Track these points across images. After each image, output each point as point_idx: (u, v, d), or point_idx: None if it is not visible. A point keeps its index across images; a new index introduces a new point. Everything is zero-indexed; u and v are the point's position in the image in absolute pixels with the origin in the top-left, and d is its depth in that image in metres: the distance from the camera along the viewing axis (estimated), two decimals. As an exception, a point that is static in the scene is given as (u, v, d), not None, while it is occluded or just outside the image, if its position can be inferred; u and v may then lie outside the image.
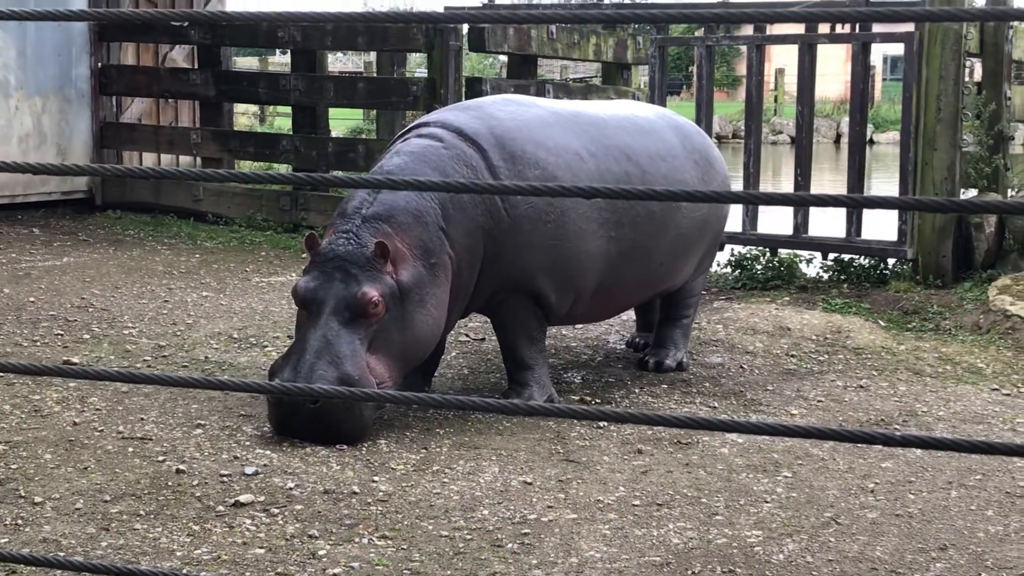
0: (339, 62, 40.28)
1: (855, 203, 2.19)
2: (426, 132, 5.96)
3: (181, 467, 5.08)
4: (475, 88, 10.72)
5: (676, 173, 6.48)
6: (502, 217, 5.82)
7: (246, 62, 34.56)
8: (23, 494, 4.77)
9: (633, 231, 6.20)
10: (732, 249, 9.60)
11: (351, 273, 5.44)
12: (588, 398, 6.34)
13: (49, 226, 11.52)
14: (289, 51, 12.37)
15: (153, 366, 6.72)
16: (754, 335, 7.71)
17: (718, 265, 9.89)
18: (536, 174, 5.89)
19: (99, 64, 12.66)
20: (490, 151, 5.86)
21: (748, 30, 10.50)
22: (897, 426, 6.10)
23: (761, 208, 10.14)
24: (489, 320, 6.42)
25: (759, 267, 9.49)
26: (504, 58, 17.05)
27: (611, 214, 6.08)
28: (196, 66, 12.91)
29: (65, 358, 6.78)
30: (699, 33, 10.71)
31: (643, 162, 6.33)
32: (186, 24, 12.02)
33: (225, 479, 4.98)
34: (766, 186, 11.20)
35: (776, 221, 10.35)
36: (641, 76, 15.20)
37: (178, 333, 7.42)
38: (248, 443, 5.42)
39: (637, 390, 6.52)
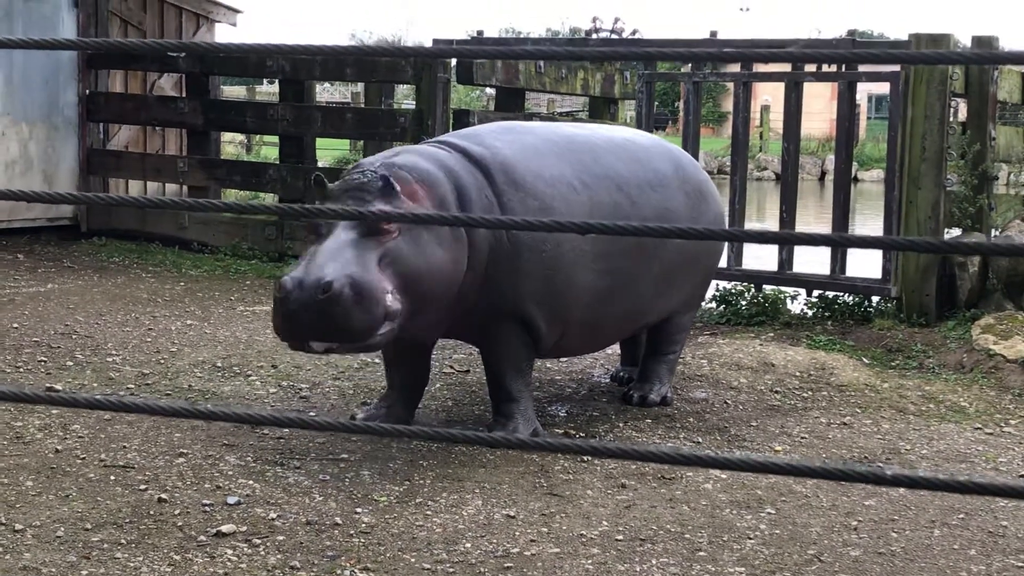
0: (326, 92, 40.36)
1: (842, 242, 2.20)
2: (429, 143, 6.07)
3: (163, 496, 5.06)
4: (462, 120, 10.75)
5: (667, 203, 6.42)
6: (503, 241, 5.82)
7: (234, 91, 34.61)
8: (3, 521, 4.74)
9: (622, 262, 6.18)
10: (717, 284, 9.61)
11: (365, 199, 5.37)
12: (572, 431, 6.33)
13: (34, 252, 11.49)
14: (277, 81, 12.40)
15: (136, 393, 6.70)
16: (738, 371, 7.72)
17: (703, 301, 9.92)
18: (535, 204, 5.89)
19: (87, 91, 12.67)
20: (494, 176, 5.87)
21: (735, 67, 10.56)
22: (880, 463, 6.10)
23: (746, 244, 10.16)
24: (476, 352, 6.42)
25: (744, 303, 9.51)
26: (492, 91, 17.11)
27: (603, 245, 6.04)
28: (184, 94, 12.93)
29: (48, 384, 6.75)
30: (686, 69, 10.76)
31: (633, 192, 6.29)
32: (183, 56, 12.06)
33: (207, 509, 4.96)
34: (751, 222, 11.25)
35: (761, 257, 10.38)
36: (628, 111, 15.25)
37: (162, 361, 7.40)
38: (231, 473, 5.40)
39: (621, 424, 6.52)
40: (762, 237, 2.57)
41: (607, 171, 6.26)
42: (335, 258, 5.19)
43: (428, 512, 5.05)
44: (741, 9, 73.09)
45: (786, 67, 9.80)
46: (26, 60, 12.00)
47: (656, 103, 10.86)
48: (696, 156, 10.15)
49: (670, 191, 6.50)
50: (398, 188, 5.40)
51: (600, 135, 6.65)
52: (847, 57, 2.13)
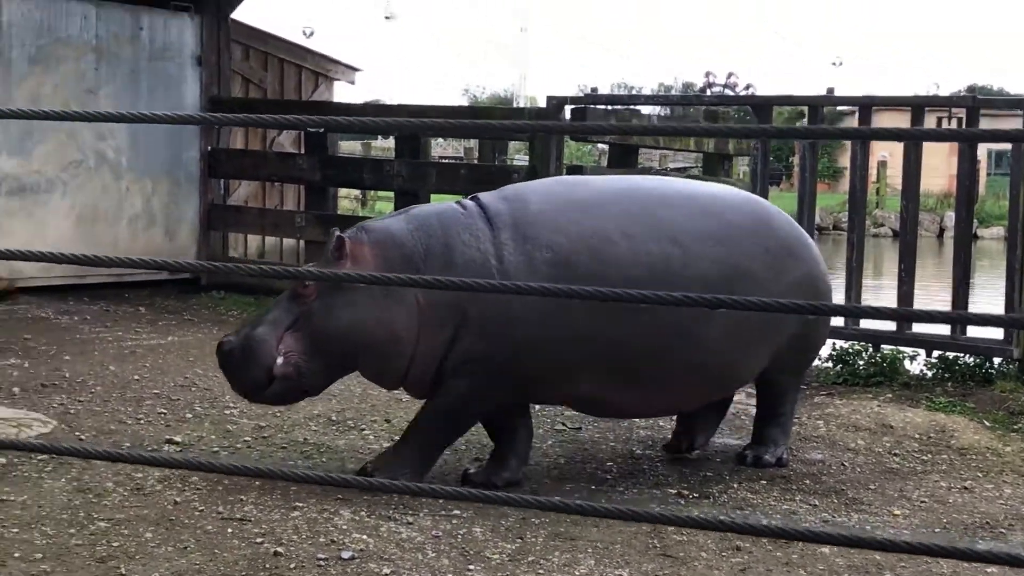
0: (439, 147, 40.81)
1: (961, 320, 2.16)
2: (459, 201, 6.29)
3: (279, 549, 5.11)
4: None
5: (734, 258, 6.22)
6: (474, 298, 5.90)
7: (349, 146, 35.15)
8: (123, 572, 4.82)
9: (666, 315, 5.98)
10: (834, 343, 9.49)
11: (326, 259, 5.98)
12: (685, 492, 6.26)
13: (155, 305, 11.73)
14: (393, 137, 12.55)
15: (253, 446, 6.79)
16: (856, 432, 7.59)
17: (819, 359, 9.79)
18: (546, 256, 5.98)
19: (208, 148, 12.95)
20: (502, 230, 6.04)
21: (853, 122, 10.46)
22: (1003, 530, 5.95)
23: (862, 300, 10.02)
24: (581, 410, 6.64)
25: (861, 362, 9.36)
26: (605, 146, 17.16)
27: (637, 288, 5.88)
28: (303, 151, 13.15)
29: (168, 436, 6.87)
30: (801, 124, 10.68)
31: (690, 244, 6.13)
32: (324, 130, 12.26)
33: (322, 563, 4.99)
34: (868, 280, 11.08)
35: (878, 316, 10.21)
36: (742, 166, 15.19)
37: (278, 414, 7.49)
38: (345, 527, 5.44)
39: (736, 485, 6.43)
40: (862, 312, 2.53)
41: (660, 223, 6.15)
42: (255, 321, 6.02)
43: (540, 571, 5.03)
44: (833, 63, 72.53)
45: (905, 122, 9.68)
46: (151, 117, 12.29)
47: (771, 158, 10.79)
48: (812, 213, 10.06)
49: (742, 246, 6.27)
50: (346, 250, 5.91)
51: (666, 188, 6.59)
52: (966, 103, 2.09)
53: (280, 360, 5.85)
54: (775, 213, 6.67)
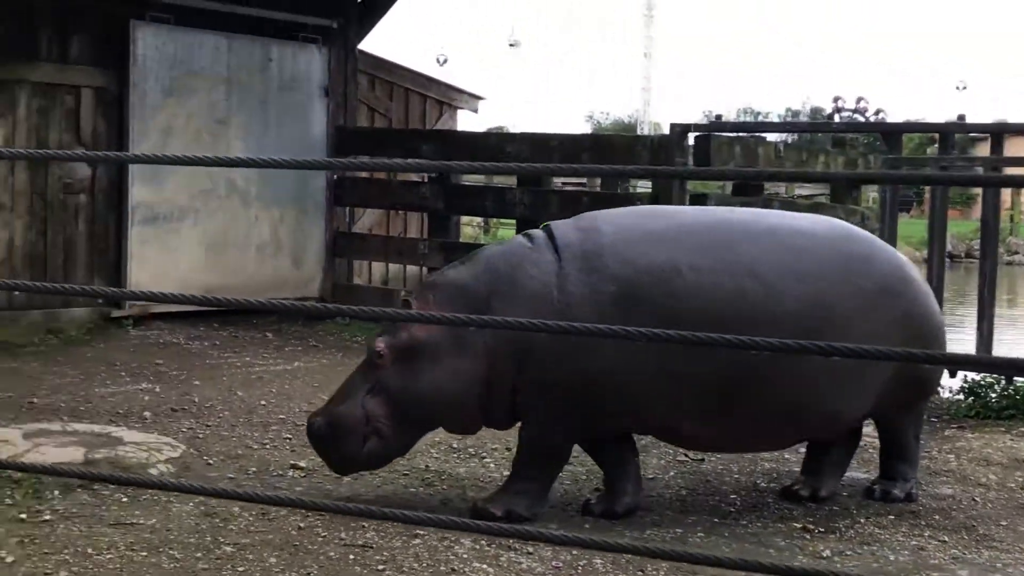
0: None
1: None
2: (533, 231, 6.30)
3: (400, 577, 5.13)
4: (700, 205, 10.69)
5: (818, 295, 6.04)
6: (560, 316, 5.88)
7: (472, 176, 35.33)
8: (248, 597, 4.88)
9: (740, 351, 5.68)
10: (965, 376, 9.28)
11: (387, 327, 6.14)
12: (811, 527, 6.16)
13: (282, 331, 11.91)
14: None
15: (375, 473, 6.84)
16: (987, 466, 7.40)
17: (950, 392, 9.57)
18: (611, 289, 5.95)
19: (335, 177, 13.14)
20: (567, 262, 6.04)
21: (984, 150, 10.24)
22: None
23: (996, 332, 9.79)
24: (664, 440, 6.65)
25: (993, 395, 9.13)
26: (729, 174, 16.99)
27: (710, 323, 5.68)
28: (427, 179, 13.27)
29: (292, 462, 6.96)
30: (930, 151, 10.49)
31: (772, 280, 5.99)
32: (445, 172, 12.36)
33: (442, 592, 5.00)
34: (1000, 308, 10.82)
35: (1013, 346, 9.98)
36: (871, 193, 14.95)
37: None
38: (466, 555, 5.45)
39: (863, 520, 6.30)
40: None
41: (740, 258, 6.03)
42: (335, 396, 6.19)
43: (662, 604, 4.98)
44: (957, 87, 71.11)
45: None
46: (279, 146, 12.52)
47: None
48: (943, 242, 9.86)
49: (830, 282, 6.09)
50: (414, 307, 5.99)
51: (753, 221, 6.42)
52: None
53: (368, 427, 5.99)
54: (873, 248, 6.44)
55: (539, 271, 6.04)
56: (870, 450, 7.51)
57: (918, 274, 6.61)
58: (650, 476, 7.00)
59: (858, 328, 6.00)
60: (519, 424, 6.22)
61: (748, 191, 11.33)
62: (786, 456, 7.46)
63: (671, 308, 5.85)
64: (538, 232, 6.25)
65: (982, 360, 2.79)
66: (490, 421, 6.20)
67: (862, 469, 7.25)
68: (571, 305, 5.92)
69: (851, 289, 6.15)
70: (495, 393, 6.03)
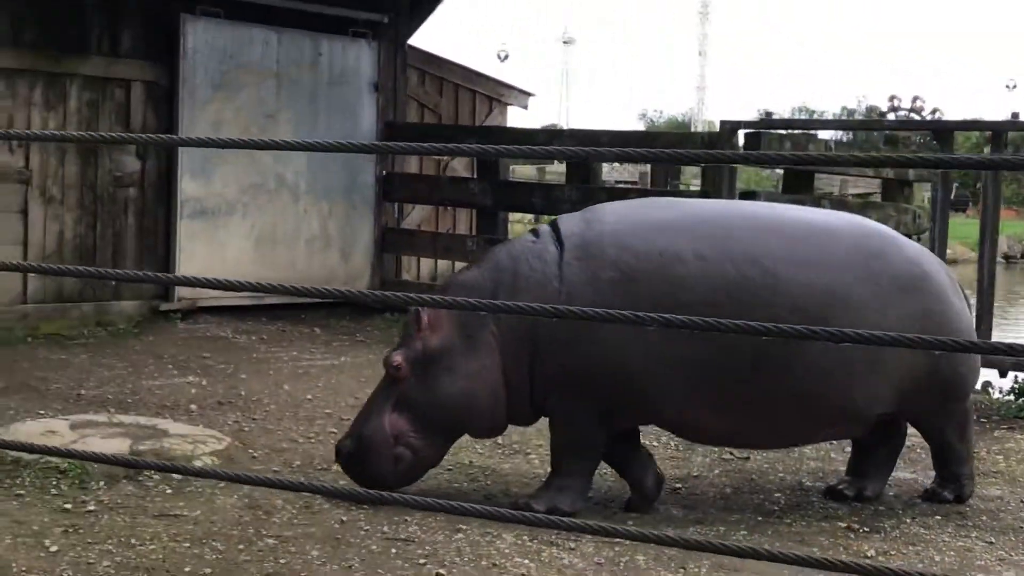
0: (615, 171, 40.74)
1: None
2: (541, 226, 6.36)
3: (441, 571, 5.13)
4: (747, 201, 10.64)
5: (830, 285, 5.96)
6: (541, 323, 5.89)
7: (524, 170, 35.38)
8: (288, 589, 4.89)
9: (745, 338, 5.73)
10: (1016, 376, 9.16)
11: (407, 333, 6.13)
12: (855, 526, 6.09)
13: (329, 326, 11.95)
14: (565, 162, 12.59)
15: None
16: (1038, 468, 7.30)
17: (1000, 392, 9.46)
18: (611, 275, 5.95)
19: (384, 172, 13.17)
20: (569, 251, 6.06)
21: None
22: None
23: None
24: (682, 436, 6.60)
25: (1045, 396, 9.01)
26: (780, 171, 16.91)
27: (712, 310, 5.48)
28: (475, 175, 13.27)
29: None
30: (986, 151, 10.37)
31: (775, 267, 5.94)
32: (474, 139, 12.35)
33: (482, 587, 4.99)
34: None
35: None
36: (925, 192, 14.80)
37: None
38: (507, 551, 5.43)
39: (908, 520, 6.23)
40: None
41: (743, 247, 5.99)
42: (360, 416, 6.19)
43: (703, 602, 4.94)
44: (1008, 87, 70.47)
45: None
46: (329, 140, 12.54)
47: (957, 184, 10.49)
48: (995, 242, 9.74)
49: (839, 274, 6.00)
50: (424, 322, 6.03)
51: (765, 213, 6.44)
52: None
53: (396, 443, 6.02)
54: (888, 243, 6.31)
55: (540, 263, 6.09)
56: (918, 449, 7.43)
57: (943, 272, 6.45)
58: (695, 474, 6.96)
59: (870, 322, 5.87)
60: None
61: (799, 188, 11.25)
62: (832, 455, 7.40)
63: (672, 296, 5.83)
64: (544, 226, 6.31)
65: (998, 346, 2.74)
66: (514, 418, 6.22)
67: (908, 469, 7.17)
68: (571, 293, 5.94)
69: (861, 281, 6.07)
70: (513, 389, 6.06)
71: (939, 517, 6.31)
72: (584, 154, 3.49)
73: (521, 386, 6.07)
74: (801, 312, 5.81)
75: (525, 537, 5.59)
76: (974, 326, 6.72)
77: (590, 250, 6.05)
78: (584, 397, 6.02)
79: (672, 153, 3.30)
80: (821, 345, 5.65)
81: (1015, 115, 10.13)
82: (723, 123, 10.85)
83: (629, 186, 24.94)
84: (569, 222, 6.26)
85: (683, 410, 6.07)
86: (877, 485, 6.58)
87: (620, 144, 11.63)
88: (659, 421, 6.31)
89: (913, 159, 7.65)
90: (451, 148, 3.51)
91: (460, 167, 14.01)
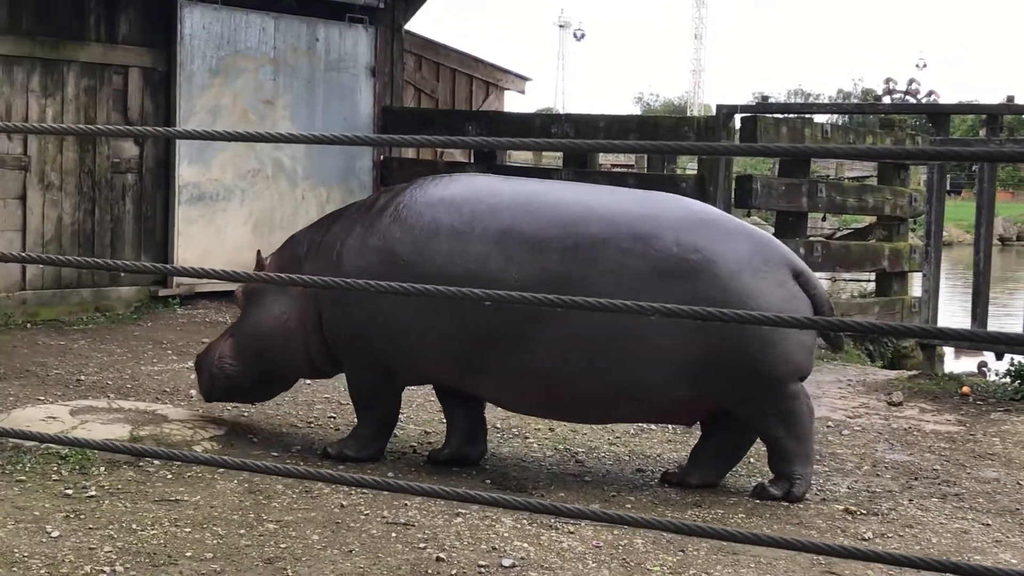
0: (611, 155, 40.65)
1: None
2: (388, 188, 7.11)
3: (441, 555, 5.16)
4: (745, 185, 10.68)
5: (565, 269, 6.00)
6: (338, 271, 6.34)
7: (522, 155, 35.31)
8: (290, 573, 4.93)
9: (491, 313, 5.98)
10: (1012, 359, 9.19)
11: None
12: (853, 508, 6.13)
13: (327, 311, 11.94)
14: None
15: (419, 452, 6.88)
16: (1034, 450, 7.34)
17: (996, 375, 9.50)
18: (377, 244, 6.36)
19: (381, 157, 13.17)
20: (361, 219, 6.52)
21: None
22: None
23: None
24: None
25: (1041, 378, 9.05)
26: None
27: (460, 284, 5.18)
28: (472, 160, 13.28)
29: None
30: (982, 134, 10.39)
31: (514, 249, 6.09)
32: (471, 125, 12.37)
33: (483, 570, 5.03)
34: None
35: (1061, 330, 9.88)
36: (922, 175, 14.82)
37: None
38: (507, 534, 5.47)
39: (905, 503, 6.28)
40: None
41: (497, 227, 6.17)
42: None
43: (701, 585, 4.98)
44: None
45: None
46: (325, 126, 12.57)
47: (949, 176, 10.51)
48: (991, 223, 9.77)
49: (581, 264, 6.00)
50: (257, 263, 6.91)
51: (549, 194, 6.42)
52: None
53: (214, 366, 6.83)
54: (689, 235, 6.02)
55: (341, 227, 6.58)
56: (915, 433, 7.47)
57: (734, 259, 6.00)
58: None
59: None
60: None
61: (795, 172, 11.28)
62: (830, 438, 7.42)
63: (420, 268, 6.19)
64: (386, 194, 6.74)
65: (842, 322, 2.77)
66: (319, 366, 6.75)
67: (905, 452, 7.21)
68: (343, 259, 6.44)
69: (603, 273, 5.99)
70: (313, 340, 6.61)
71: (936, 500, 6.35)
72: (586, 147, 3.48)
73: (317, 339, 6.60)
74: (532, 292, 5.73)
75: (525, 520, 5.63)
76: (810, 311, 6.04)
77: (372, 220, 6.47)
78: (364, 355, 6.51)
79: (672, 144, 3.30)
80: (554, 325, 6.04)
81: (1010, 98, 10.15)
82: (719, 107, 10.88)
83: (625, 169, 24.96)
84: (389, 191, 6.69)
85: (464, 377, 6.39)
86: (705, 474, 6.35)
87: (616, 128, 11.66)
88: (450, 386, 6.59)
89: (912, 151, 7.65)
90: (455, 140, 3.48)
91: (457, 152, 14.02)
